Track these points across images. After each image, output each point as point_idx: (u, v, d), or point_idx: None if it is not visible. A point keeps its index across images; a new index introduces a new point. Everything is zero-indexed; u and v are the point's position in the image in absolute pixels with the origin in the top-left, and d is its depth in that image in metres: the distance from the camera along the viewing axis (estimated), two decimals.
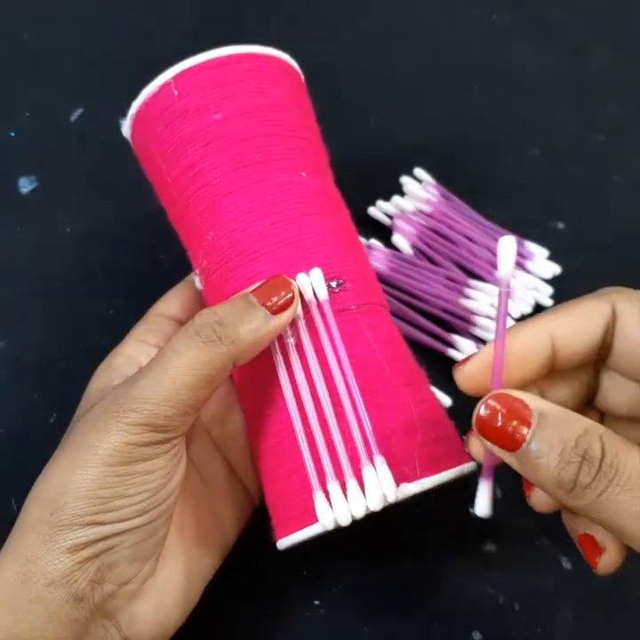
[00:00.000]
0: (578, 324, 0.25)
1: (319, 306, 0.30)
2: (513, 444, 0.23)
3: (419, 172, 0.46)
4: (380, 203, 0.45)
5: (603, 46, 0.53)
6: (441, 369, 0.41)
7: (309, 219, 0.32)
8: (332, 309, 0.30)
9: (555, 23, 0.54)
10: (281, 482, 0.30)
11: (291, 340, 0.30)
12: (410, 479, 0.28)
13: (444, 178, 0.46)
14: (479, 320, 0.41)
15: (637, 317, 0.25)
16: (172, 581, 0.30)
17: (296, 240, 0.31)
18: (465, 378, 0.26)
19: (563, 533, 0.37)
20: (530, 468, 0.23)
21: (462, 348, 0.41)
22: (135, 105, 0.34)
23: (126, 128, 0.35)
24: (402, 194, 0.46)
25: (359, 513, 0.28)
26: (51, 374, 0.41)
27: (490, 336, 0.41)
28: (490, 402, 0.24)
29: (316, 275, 0.30)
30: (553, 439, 0.22)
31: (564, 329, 0.25)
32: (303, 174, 0.32)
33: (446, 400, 0.40)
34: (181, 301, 0.36)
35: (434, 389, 0.40)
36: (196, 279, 0.34)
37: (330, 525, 0.28)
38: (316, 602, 0.36)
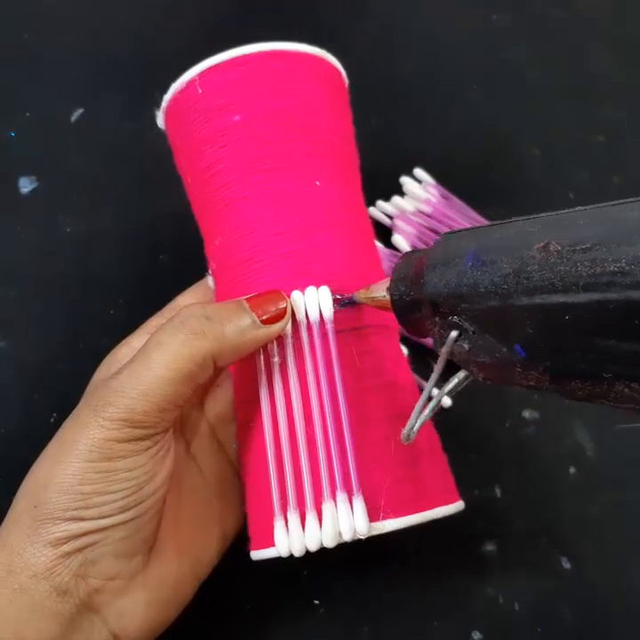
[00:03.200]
0: None
1: (308, 327, 0.29)
2: None
3: (418, 172, 0.46)
4: (380, 203, 0.45)
5: (603, 46, 0.53)
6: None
7: (318, 231, 0.30)
8: (321, 331, 0.29)
9: (555, 23, 0.54)
10: (253, 497, 0.30)
11: (276, 360, 0.29)
12: (373, 519, 0.27)
13: (444, 178, 0.46)
14: None
15: None
16: (164, 578, 0.30)
17: (299, 253, 0.30)
18: None
19: (563, 533, 0.37)
20: None
21: None
22: (165, 98, 0.33)
23: (160, 120, 0.35)
24: (402, 194, 0.46)
25: (313, 547, 0.27)
26: (51, 374, 0.41)
27: None
28: None
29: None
30: None
31: None
32: (317, 183, 0.31)
33: (446, 400, 0.40)
34: (200, 298, 0.36)
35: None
36: (210, 279, 0.34)
37: (285, 553, 0.28)
38: (316, 602, 0.36)
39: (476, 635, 0.35)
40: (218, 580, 0.33)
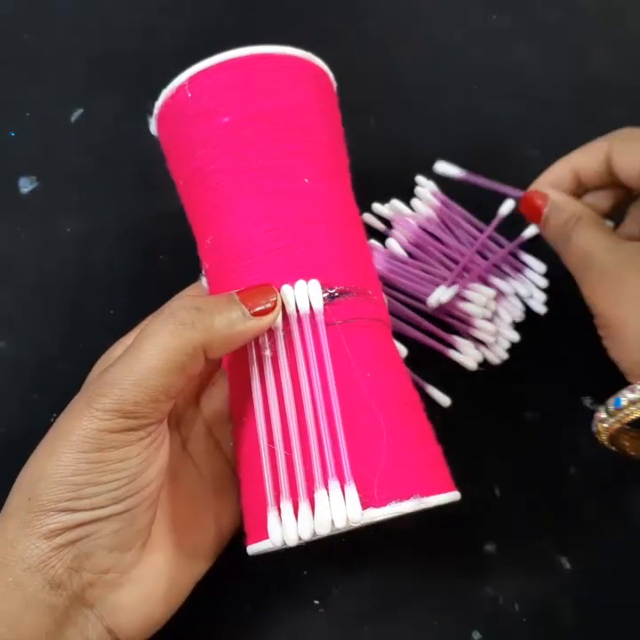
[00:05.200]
0: (586, 158, 0.38)
1: (299, 319, 0.30)
2: (538, 217, 0.38)
3: (419, 179, 0.46)
4: (376, 205, 0.45)
5: (603, 46, 0.53)
6: (441, 369, 0.41)
7: (307, 227, 0.31)
8: (312, 324, 0.30)
9: (555, 23, 0.54)
10: (248, 491, 0.30)
11: (267, 353, 0.30)
12: (366, 507, 0.27)
13: (444, 178, 0.46)
14: (477, 322, 0.41)
15: (625, 149, 0.36)
16: (159, 574, 0.30)
17: (289, 249, 0.30)
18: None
19: (563, 533, 0.37)
20: (545, 229, 0.38)
21: (462, 348, 0.41)
22: (157, 104, 0.34)
23: (153, 126, 0.35)
24: (402, 194, 0.46)
25: (306, 535, 0.27)
26: (51, 374, 0.41)
27: (488, 338, 0.41)
28: (528, 193, 0.39)
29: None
30: (554, 219, 0.37)
31: (578, 162, 0.38)
32: (306, 181, 0.31)
33: (445, 400, 0.40)
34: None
35: (432, 391, 0.40)
36: (204, 280, 0.34)
37: (278, 543, 0.28)
38: (316, 602, 0.36)
39: (476, 635, 0.35)
40: (217, 580, 0.33)
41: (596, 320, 0.36)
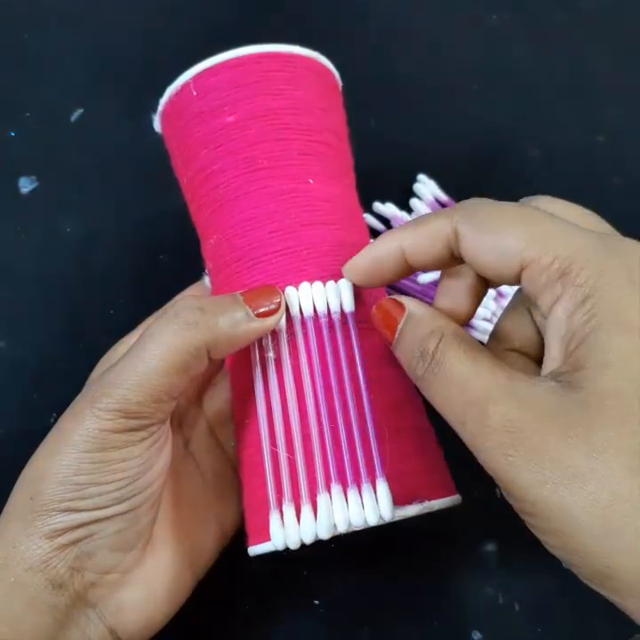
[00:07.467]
0: (422, 240, 0.27)
1: (303, 322, 0.30)
2: (391, 336, 0.27)
3: (421, 177, 0.46)
4: (377, 204, 0.45)
5: (603, 46, 0.53)
6: None
7: (311, 228, 0.31)
8: (314, 326, 0.30)
9: (555, 24, 0.54)
10: (250, 492, 0.30)
11: (270, 354, 0.30)
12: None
13: (444, 178, 0.46)
14: (476, 323, 0.41)
15: (474, 237, 0.26)
16: (161, 574, 0.30)
17: (292, 250, 0.30)
18: (352, 272, 0.30)
19: None
20: (398, 354, 0.27)
21: None
22: (161, 102, 0.34)
23: (157, 124, 0.35)
24: (402, 194, 0.46)
25: (308, 539, 0.27)
26: (51, 374, 0.41)
27: (487, 338, 0.41)
28: (381, 303, 0.28)
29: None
30: (410, 335, 0.27)
31: (411, 244, 0.28)
32: (311, 181, 0.31)
33: None
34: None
35: None
36: (206, 279, 0.34)
37: (280, 546, 0.28)
38: (316, 602, 0.36)
39: (476, 635, 0.35)
40: (218, 580, 0.33)
41: (515, 504, 0.25)
